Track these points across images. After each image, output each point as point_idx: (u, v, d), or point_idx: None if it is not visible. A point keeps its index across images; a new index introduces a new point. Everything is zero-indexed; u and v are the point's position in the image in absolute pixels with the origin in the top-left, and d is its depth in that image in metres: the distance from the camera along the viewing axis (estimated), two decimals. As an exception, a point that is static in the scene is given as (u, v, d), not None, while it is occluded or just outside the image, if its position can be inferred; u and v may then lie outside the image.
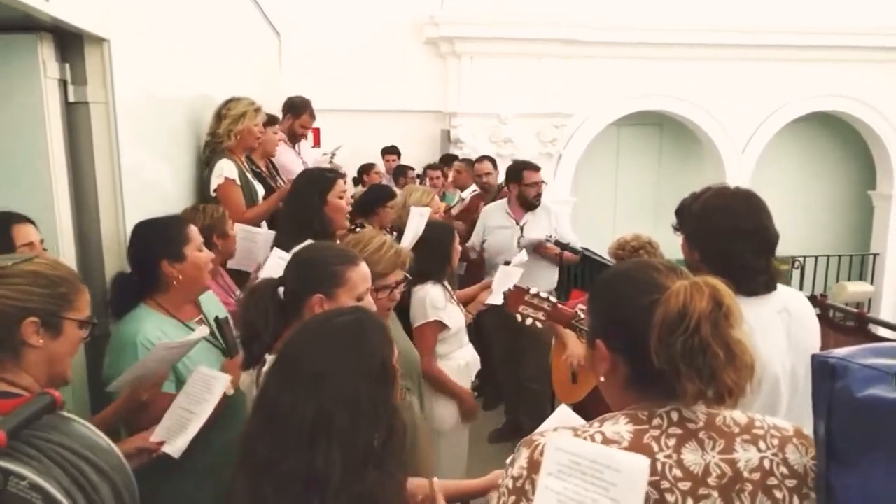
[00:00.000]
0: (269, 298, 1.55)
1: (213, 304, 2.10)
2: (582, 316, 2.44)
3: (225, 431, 1.65)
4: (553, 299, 2.51)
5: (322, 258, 1.61)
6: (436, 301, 2.63)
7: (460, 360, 2.73)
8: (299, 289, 1.56)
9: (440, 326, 2.63)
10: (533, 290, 2.49)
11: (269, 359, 1.48)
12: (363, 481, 1.04)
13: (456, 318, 2.70)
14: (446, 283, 2.74)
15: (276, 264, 2.07)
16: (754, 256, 1.57)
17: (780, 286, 1.64)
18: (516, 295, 2.48)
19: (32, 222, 1.70)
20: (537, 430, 1.06)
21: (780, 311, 1.60)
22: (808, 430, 1.02)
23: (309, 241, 2.17)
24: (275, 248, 2.25)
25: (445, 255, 2.75)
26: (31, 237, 1.65)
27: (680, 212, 1.75)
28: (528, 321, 2.46)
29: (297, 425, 1.04)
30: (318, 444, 1.03)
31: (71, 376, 1.31)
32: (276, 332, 1.53)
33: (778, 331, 1.57)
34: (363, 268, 1.63)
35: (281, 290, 1.58)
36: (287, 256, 2.07)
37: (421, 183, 5.55)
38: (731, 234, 1.56)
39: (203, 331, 1.76)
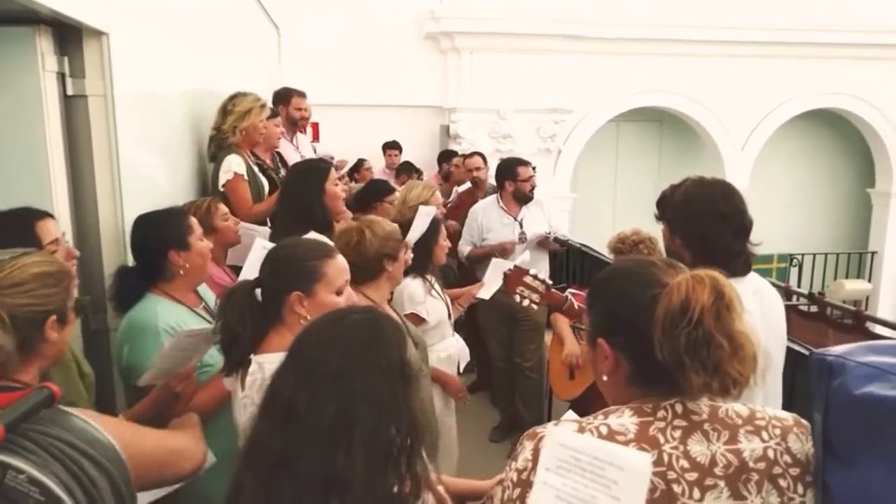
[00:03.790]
0: (246, 300, 1.51)
1: (209, 293, 2.13)
2: (573, 302, 2.52)
3: (223, 425, 1.65)
4: (549, 282, 2.61)
5: (296, 254, 1.58)
6: (414, 294, 2.67)
7: (441, 353, 2.75)
8: (276, 288, 1.53)
9: (417, 319, 2.65)
10: (532, 272, 2.58)
11: (255, 360, 1.47)
12: (385, 481, 1.02)
13: (436, 311, 2.72)
14: (428, 277, 2.77)
15: (259, 255, 2.06)
16: (733, 239, 1.69)
17: (751, 272, 1.77)
18: (516, 275, 2.58)
19: (52, 216, 1.69)
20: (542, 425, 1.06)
21: (754, 292, 1.71)
22: (776, 409, 1.05)
23: (313, 234, 2.18)
24: (258, 239, 2.23)
25: (428, 249, 2.77)
26: (55, 233, 1.64)
27: (661, 202, 1.83)
28: (525, 302, 2.56)
29: (316, 424, 1.02)
30: (338, 443, 1.01)
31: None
32: (255, 335, 1.50)
33: (754, 309, 1.65)
34: (339, 260, 1.61)
35: (258, 290, 1.55)
36: (270, 246, 2.07)
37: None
38: (711, 217, 1.68)
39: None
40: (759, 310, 1.68)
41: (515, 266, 2.61)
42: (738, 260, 1.69)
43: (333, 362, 1.06)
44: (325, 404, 1.03)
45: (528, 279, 2.54)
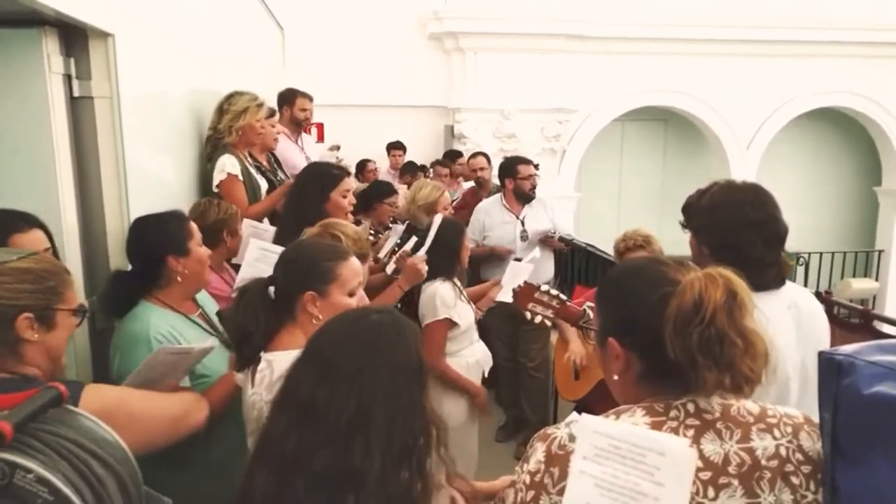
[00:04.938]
0: (259, 298, 1.53)
1: (208, 300, 2.10)
2: (590, 315, 2.42)
3: (233, 425, 1.66)
4: (563, 297, 2.49)
5: (311, 255, 1.60)
6: (446, 299, 2.61)
7: (469, 358, 2.71)
8: (290, 287, 1.55)
9: (450, 324, 2.62)
10: (543, 288, 2.43)
11: (265, 357, 1.48)
12: (399, 479, 1.03)
13: (465, 315, 2.68)
14: (456, 281, 2.73)
15: (255, 255, 2.07)
16: (765, 248, 1.55)
17: (787, 282, 1.64)
18: (526, 292, 2.42)
19: (41, 225, 1.63)
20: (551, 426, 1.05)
21: (789, 306, 1.59)
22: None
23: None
24: (252, 239, 2.24)
25: (455, 252, 2.73)
26: (33, 247, 1.53)
27: (687, 208, 1.70)
28: (538, 319, 2.40)
29: (334, 421, 1.03)
30: (356, 440, 1.02)
31: (64, 362, 1.35)
32: (267, 333, 1.52)
33: (788, 326, 1.56)
34: (353, 262, 1.62)
35: (271, 289, 1.56)
36: (267, 247, 2.09)
37: (425, 177, 5.57)
38: (741, 226, 1.54)
39: (213, 342, 1.75)
40: (794, 326, 1.57)
41: (525, 282, 2.48)
42: (771, 271, 1.56)
43: (354, 361, 1.07)
44: (344, 402, 1.03)
45: (539, 295, 2.40)
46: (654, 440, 0.88)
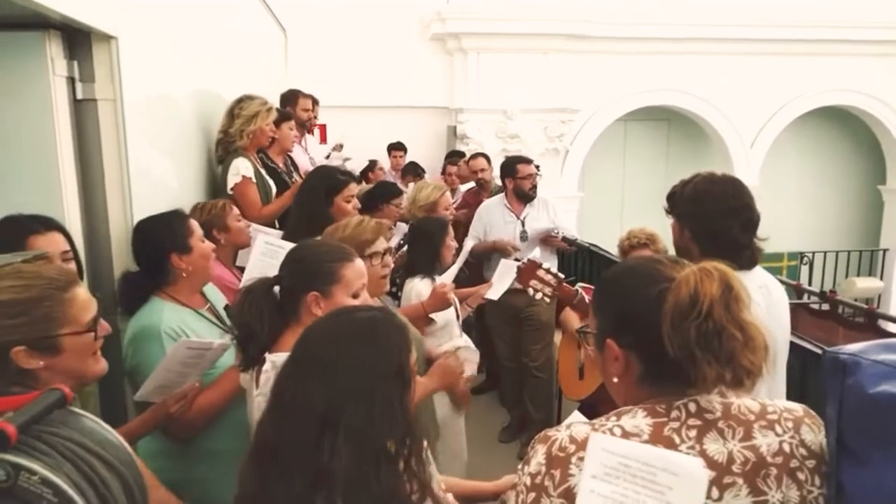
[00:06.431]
0: (264, 298, 1.54)
1: (216, 293, 2.14)
2: (583, 295, 2.54)
3: (238, 420, 1.67)
4: (561, 276, 2.64)
5: (316, 256, 1.61)
6: (422, 295, 2.67)
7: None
8: (294, 287, 1.56)
9: (426, 320, 2.65)
10: (546, 265, 2.61)
11: (269, 358, 1.48)
12: (382, 481, 1.02)
13: (443, 312, 2.71)
14: (436, 278, 2.78)
15: (261, 249, 2.10)
16: (741, 232, 1.74)
17: (758, 267, 1.80)
18: (529, 269, 2.61)
19: (60, 228, 1.62)
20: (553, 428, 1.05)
21: (760, 287, 1.73)
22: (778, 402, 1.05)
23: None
24: (259, 235, 2.25)
25: (435, 249, 2.79)
26: (51, 249, 1.52)
27: (671, 197, 1.88)
28: (538, 296, 2.60)
29: (304, 414, 1.03)
30: (324, 436, 1.02)
31: (104, 366, 1.22)
32: (272, 332, 1.52)
33: (760, 306, 1.63)
34: (358, 264, 1.63)
35: (276, 288, 1.57)
36: (273, 241, 2.11)
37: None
38: (722, 212, 1.73)
39: (226, 340, 1.76)
40: (764, 305, 1.68)
41: (529, 259, 2.65)
42: (745, 253, 1.74)
43: (323, 354, 1.08)
44: (312, 395, 1.04)
45: (541, 273, 2.57)
46: (667, 459, 0.87)
